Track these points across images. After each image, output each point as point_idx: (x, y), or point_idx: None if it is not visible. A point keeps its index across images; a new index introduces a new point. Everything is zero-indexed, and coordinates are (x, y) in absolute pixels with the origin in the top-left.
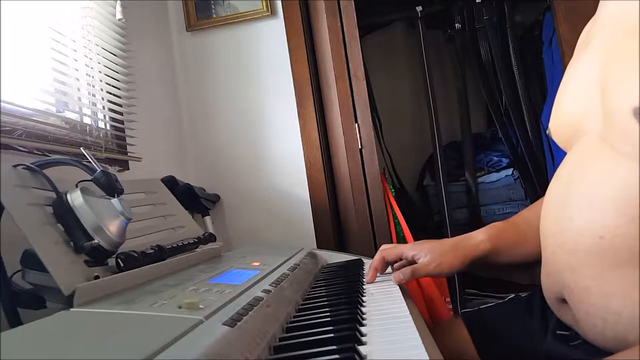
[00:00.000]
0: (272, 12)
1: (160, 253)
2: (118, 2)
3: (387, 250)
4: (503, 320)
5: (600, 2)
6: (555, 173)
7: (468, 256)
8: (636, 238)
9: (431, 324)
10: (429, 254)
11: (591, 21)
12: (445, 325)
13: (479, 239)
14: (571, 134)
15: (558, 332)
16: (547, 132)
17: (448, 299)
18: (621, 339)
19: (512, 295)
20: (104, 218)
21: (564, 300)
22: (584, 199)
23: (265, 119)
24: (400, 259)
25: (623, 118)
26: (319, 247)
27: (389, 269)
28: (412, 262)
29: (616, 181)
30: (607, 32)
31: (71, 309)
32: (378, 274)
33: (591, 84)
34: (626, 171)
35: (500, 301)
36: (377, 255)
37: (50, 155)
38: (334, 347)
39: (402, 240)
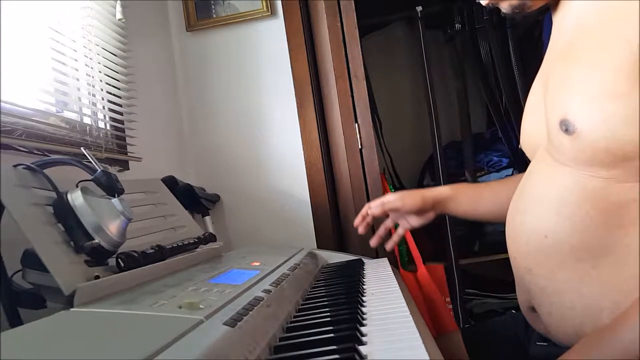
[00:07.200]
0: (272, 12)
1: (160, 253)
2: (118, 2)
3: (371, 202)
4: (498, 335)
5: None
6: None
7: (429, 197)
8: (572, 235)
9: (431, 324)
10: (397, 194)
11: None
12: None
13: (441, 188)
14: (533, 150)
15: (537, 343)
16: (519, 146)
17: (448, 299)
18: (580, 333)
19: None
20: (105, 218)
21: (534, 309)
22: (531, 203)
23: (265, 119)
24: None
25: (554, 130)
26: (319, 247)
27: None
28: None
29: (554, 185)
30: (549, 56)
31: (71, 309)
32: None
33: (540, 103)
34: (562, 176)
35: (499, 317)
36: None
37: (50, 155)
38: (334, 347)
39: (402, 240)
